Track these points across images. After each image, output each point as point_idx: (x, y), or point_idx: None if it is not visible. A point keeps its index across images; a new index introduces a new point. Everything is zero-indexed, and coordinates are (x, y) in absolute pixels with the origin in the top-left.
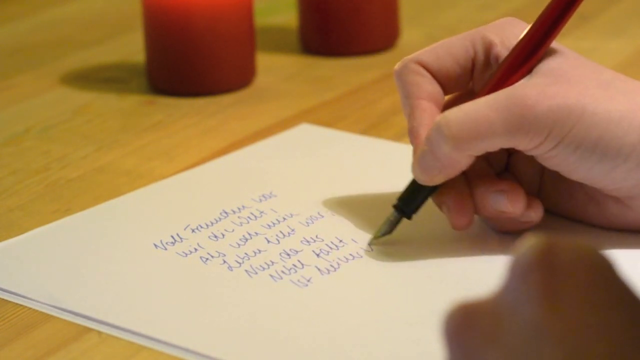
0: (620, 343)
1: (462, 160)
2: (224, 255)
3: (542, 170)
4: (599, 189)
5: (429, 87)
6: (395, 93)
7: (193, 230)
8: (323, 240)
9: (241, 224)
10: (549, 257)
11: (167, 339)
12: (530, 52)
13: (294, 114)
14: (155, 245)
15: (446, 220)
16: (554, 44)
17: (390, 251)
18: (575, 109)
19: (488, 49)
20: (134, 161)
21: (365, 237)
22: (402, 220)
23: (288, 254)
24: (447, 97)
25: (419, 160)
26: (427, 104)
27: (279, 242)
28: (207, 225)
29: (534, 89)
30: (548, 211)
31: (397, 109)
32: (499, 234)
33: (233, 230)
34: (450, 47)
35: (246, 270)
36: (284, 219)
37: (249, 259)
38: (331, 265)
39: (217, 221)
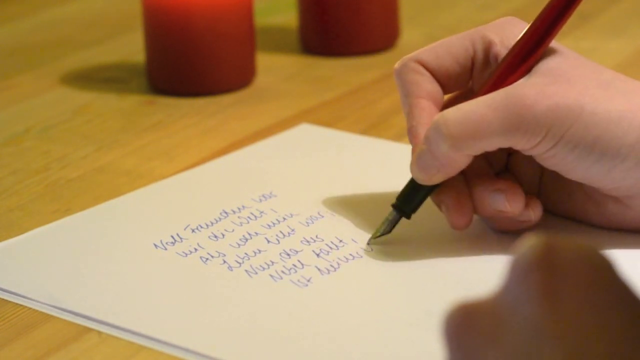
0: (620, 343)
1: (460, 160)
2: (224, 255)
3: (542, 170)
4: (598, 188)
5: (429, 86)
6: (395, 93)
7: (193, 230)
8: (323, 240)
9: (241, 224)
10: (549, 257)
11: (167, 339)
12: (529, 52)
13: (294, 114)
14: (155, 245)
15: (445, 219)
16: (554, 43)
17: (390, 251)
18: (574, 109)
19: (487, 48)
20: (134, 161)
21: (365, 237)
22: (401, 219)
23: (288, 254)
24: (446, 96)
25: (418, 160)
26: (426, 103)
27: (279, 242)
28: (207, 225)
29: (533, 89)
30: (548, 211)
31: (397, 109)
32: (498, 233)
33: (233, 230)
34: (450, 46)
35: (246, 270)
36: (284, 219)
37: (249, 259)
38: (331, 265)
39: (217, 221)
